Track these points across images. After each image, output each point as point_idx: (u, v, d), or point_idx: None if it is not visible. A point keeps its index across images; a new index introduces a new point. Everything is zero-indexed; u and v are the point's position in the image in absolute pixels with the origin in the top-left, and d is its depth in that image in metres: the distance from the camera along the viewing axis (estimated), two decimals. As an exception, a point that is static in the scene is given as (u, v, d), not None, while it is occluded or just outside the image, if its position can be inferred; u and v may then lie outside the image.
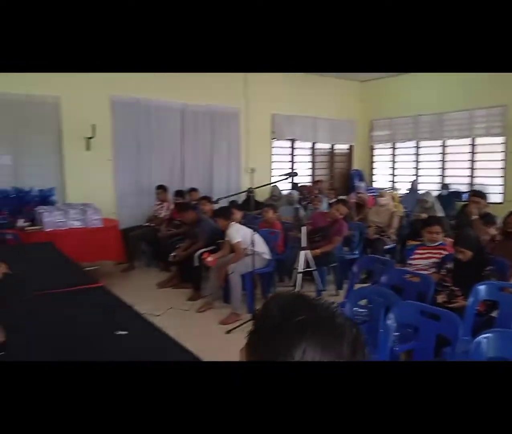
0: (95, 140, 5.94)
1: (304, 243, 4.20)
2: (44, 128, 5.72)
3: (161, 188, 6.06)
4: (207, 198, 5.38)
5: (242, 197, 6.59)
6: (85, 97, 5.83)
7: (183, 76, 5.95)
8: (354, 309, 2.88)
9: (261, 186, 4.41)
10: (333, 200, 5.79)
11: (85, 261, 4.56)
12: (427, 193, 5.99)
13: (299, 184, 7.77)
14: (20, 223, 4.58)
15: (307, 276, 4.37)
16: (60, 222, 4.59)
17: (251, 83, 7.24)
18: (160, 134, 6.63)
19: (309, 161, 8.81)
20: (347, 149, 9.26)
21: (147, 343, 1.75)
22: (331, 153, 9.08)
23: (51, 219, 4.55)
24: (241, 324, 3.69)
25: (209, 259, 4.13)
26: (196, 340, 3.40)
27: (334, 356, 0.56)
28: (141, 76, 5.77)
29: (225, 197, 4.63)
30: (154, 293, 4.72)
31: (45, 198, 5.25)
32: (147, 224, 5.94)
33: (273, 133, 7.95)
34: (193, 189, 6.33)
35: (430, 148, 8.23)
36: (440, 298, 2.79)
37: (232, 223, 4.27)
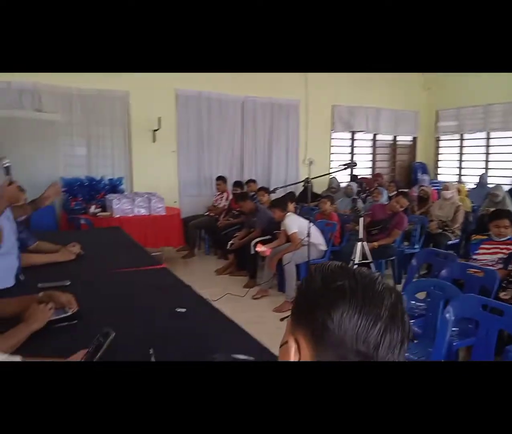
0: (160, 132, 6.24)
1: (361, 234, 4.14)
2: (114, 121, 6.09)
3: (221, 179, 6.25)
4: (264, 189, 5.47)
5: (299, 189, 6.61)
6: (152, 92, 6.12)
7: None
8: (412, 302, 2.83)
9: (319, 176, 4.39)
10: (393, 193, 5.64)
11: (149, 246, 4.84)
12: (498, 186, 5.64)
13: (358, 177, 7.63)
14: (92, 209, 4.97)
15: (364, 268, 4.31)
16: (127, 209, 4.91)
17: (312, 74, 7.20)
18: (221, 126, 6.82)
19: (369, 153, 8.61)
20: (410, 141, 8.92)
21: (203, 320, 1.86)
22: (393, 145, 8.80)
23: (120, 206, 4.88)
24: (295, 312, 3.74)
25: (263, 248, 4.22)
26: (251, 325, 3.50)
27: (372, 319, 0.58)
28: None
29: (282, 187, 4.68)
30: (212, 279, 4.91)
31: (114, 187, 5.64)
32: (206, 213, 6.16)
33: (333, 124, 7.86)
34: (251, 181, 6.45)
35: (502, 140, 7.70)
36: (504, 295, 2.65)
37: (289, 213, 4.32)
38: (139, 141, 6.22)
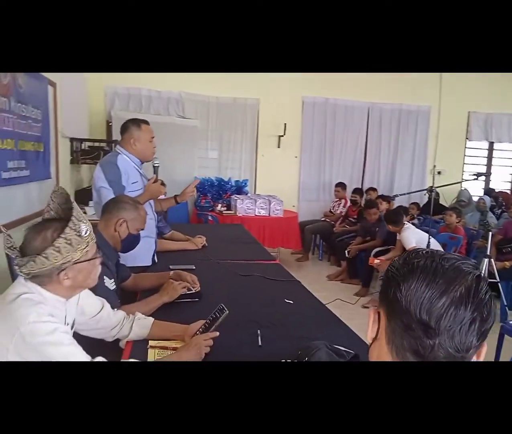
0: (285, 138, 6.54)
1: (489, 250, 3.82)
2: (244, 127, 6.54)
3: (340, 185, 6.27)
4: (383, 197, 5.35)
5: (424, 199, 6.30)
6: (280, 99, 6.44)
7: (371, 75, 6.02)
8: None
9: (443, 185, 4.15)
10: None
11: (267, 246, 5.13)
12: None
13: (495, 190, 6.93)
14: (219, 207, 5.48)
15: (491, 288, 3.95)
16: (249, 209, 5.30)
17: (447, 80, 6.79)
18: (345, 133, 6.84)
19: (510, 166, 7.72)
20: None
21: (308, 312, 2.00)
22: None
23: (243, 206, 5.29)
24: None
25: (376, 261, 4.16)
26: (358, 332, 3.53)
27: (438, 293, 0.61)
28: (331, 78, 6.14)
29: (402, 194, 4.51)
30: (323, 284, 4.99)
31: (240, 188, 6.10)
32: (323, 219, 6.25)
33: (469, 133, 7.26)
34: (372, 189, 6.34)
35: None
36: None
37: (407, 225, 4.18)
38: (265, 146, 6.60)
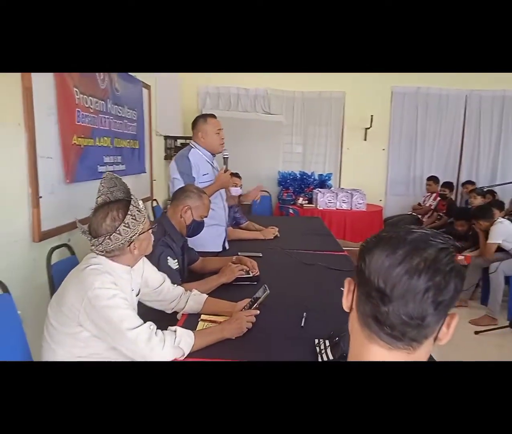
0: (372, 130, 6.35)
1: None
2: (329, 121, 6.50)
3: (432, 179, 5.92)
4: (476, 191, 4.92)
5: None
6: (367, 90, 6.27)
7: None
8: None
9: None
10: None
11: (348, 239, 5.10)
12: None
13: None
14: (300, 200, 5.54)
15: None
16: (330, 202, 5.28)
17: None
18: (438, 123, 6.43)
19: None
20: None
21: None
22: None
23: (323, 200, 5.30)
24: (494, 328, 3.36)
25: (460, 257, 3.87)
26: None
27: (396, 262, 0.63)
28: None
29: (490, 186, 4.12)
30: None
31: (323, 182, 6.09)
32: (409, 213, 5.96)
33: None
34: (469, 182, 5.88)
35: None
36: None
37: (500, 219, 3.83)
38: (350, 139, 6.49)
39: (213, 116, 2.71)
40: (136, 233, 1.42)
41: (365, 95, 6.31)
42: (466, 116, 6.41)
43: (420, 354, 0.68)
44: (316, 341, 1.41)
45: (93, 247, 1.40)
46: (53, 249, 2.20)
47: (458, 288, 0.65)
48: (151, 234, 1.55)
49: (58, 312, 1.36)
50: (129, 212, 1.38)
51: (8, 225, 2.10)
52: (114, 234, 1.37)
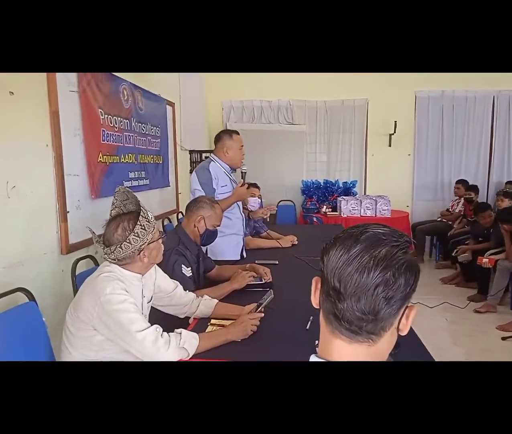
0: (396, 136, 6.30)
1: None
2: (353, 128, 6.47)
3: (461, 182, 5.79)
4: (505, 194, 4.77)
5: None
6: (390, 97, 6.26)
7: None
8: None
9: None
10: None
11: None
12: None
13: None
14: (324, 208, 5.56)
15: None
16: (354, 210, 5.28)
17: None
18: (465, 126, 6.30)
19: None
20: None
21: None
22: None
23: (347, 207, 5.30)
24: (522, 335, 3.27)
25: (484, 260, 3.78)
26: (462, 337, 3.34)
27: (348, 261, 0.67)
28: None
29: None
30: (435, 287, 4.70)
31: (347, 189, 6.08)
32: (439, 219, 5.85)
33: None
34: (510, 182, 5.73)
35: None
36: None
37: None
38: (375, 146, 6.45)
39: (237, 133, 2.82)
40: (145, 242, 1.52)
41: (388, 101, 6.29)
42: (495, 117, 6.25)
43: (381, 346, 0.71)
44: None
45: (106, 255, 1.51)
46: (78, 260, 2.35)
47: (409, 282, 0.68)
48: (161, 244, 1.64)
49: (75, 317, 1.48)
50: (138, 223, 1.49)
51: (38, 238, 2.27)
52: (124, 242, 1.48)
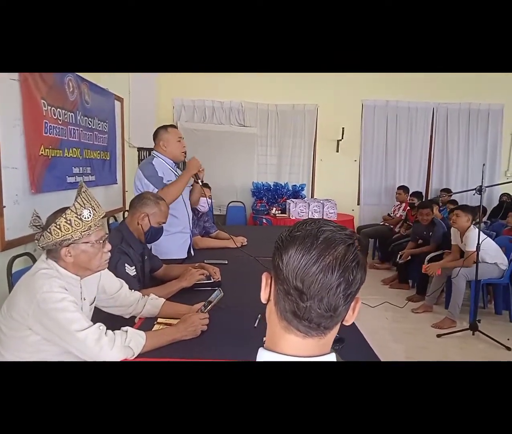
0: (344, 142, 6.52)
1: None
2: (303, 133, 6.60)
3: (402, 188, 6.11)
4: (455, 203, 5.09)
5: (494, 202, 5.90)
6: (338, 104, 6.47)
7: (435, 75, 5.82)
8: None
9: (497, 185, 3.88)
10: None
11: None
12: None
13: None
14: (273, 210, 5.63)
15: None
16: (302, 212, 5.41)
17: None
18: (408, 135, 6.64)
19: None
20: None
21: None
22: None
23: (296, 210, 5.41)
24: (455, 332, 3.49)
25: (430, 269, 3.97)
26: (403, 335, 3.50)
27: (311, 261, 0.68)
28: (391, 80, 6.09)
29: (456, 193, 4.24)
30: (378, 288, 4.90)
31: (296, 192, 6.20)
32: (381, 223, 6.12)
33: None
34: (445, 190, 6.10)
35: None
36: None
37: (472, 226, 3.94)
38: (323, 151, 6.63)
39: (173, 126, 2.78)
40: (68, 239, 1.40)
41: (337, 108, 6.49)
42: (434, 128, 6.65)
43: (329, 337, 0.75)
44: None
45: (36, 241, 1.43)
46: (15, 257, 2.22)
47: (363, 279, 0.72)
48: (100, 252, 1.51)
49: (8, 317, 1.38)
50: (63, 215, 1.39)
51: (-30, 234, 2.12)
52: (45, 231, 1.39)
